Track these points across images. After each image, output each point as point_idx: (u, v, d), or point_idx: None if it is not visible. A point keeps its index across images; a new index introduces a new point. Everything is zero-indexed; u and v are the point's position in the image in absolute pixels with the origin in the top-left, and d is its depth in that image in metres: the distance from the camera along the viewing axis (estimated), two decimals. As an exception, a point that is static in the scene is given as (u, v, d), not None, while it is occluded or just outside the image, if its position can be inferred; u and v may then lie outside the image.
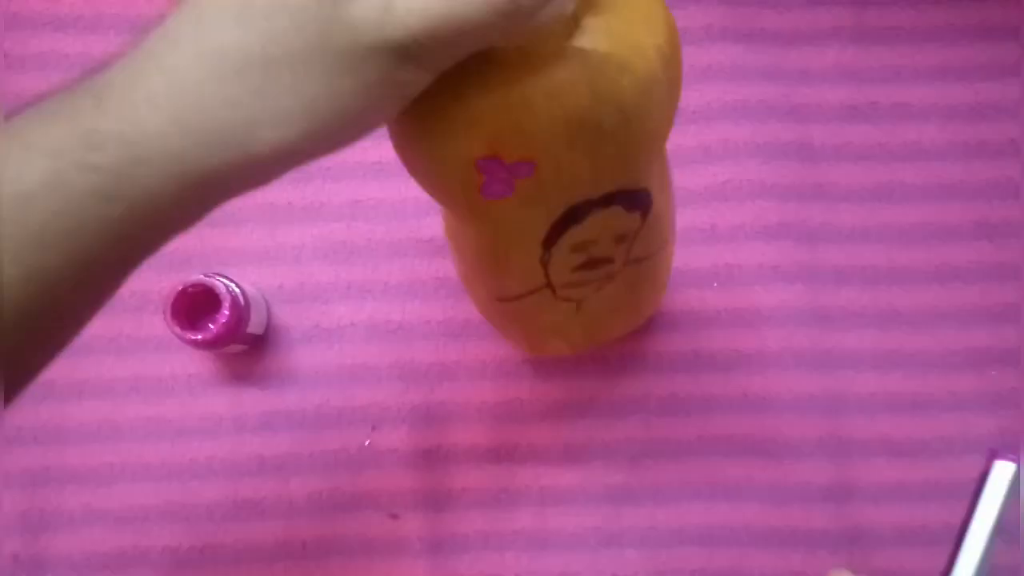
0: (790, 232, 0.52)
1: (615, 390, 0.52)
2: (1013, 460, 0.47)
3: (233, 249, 0.52)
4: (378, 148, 0.54)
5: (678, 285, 0.52)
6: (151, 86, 0.21)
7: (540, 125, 0.28)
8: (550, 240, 0.35)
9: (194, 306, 0.48)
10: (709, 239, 0.53)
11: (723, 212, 0.53)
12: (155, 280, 0.50)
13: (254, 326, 0.50)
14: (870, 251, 0.52)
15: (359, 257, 0.53)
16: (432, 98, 0.26)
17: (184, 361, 0.52)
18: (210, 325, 0.47)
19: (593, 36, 0.27)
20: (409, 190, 0.52)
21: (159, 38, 0.22)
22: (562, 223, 0.34)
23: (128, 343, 0.52)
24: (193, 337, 0.47)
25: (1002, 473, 0.47)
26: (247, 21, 0.21)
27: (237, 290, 0.49)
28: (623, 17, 0.28)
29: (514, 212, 0.33)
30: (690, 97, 0.46)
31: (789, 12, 0.55)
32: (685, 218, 0.52)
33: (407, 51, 0.22)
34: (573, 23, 0.28)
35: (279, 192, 0.52)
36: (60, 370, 0.27)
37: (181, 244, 0.25)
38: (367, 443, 0.51)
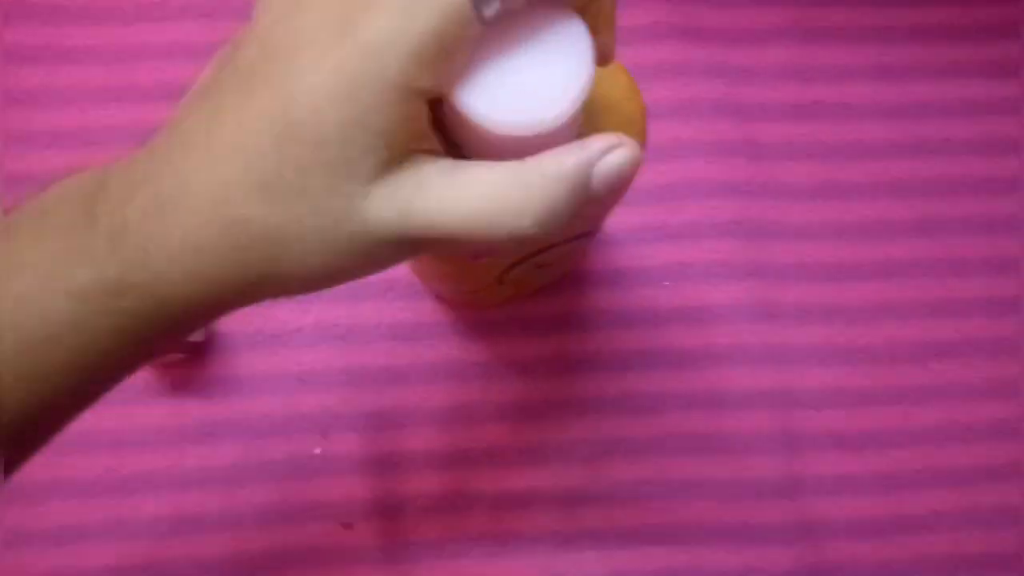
0: (739, 229, 0.53)
1: (568, 391, 0.51)
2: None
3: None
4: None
5: (629, 284, 0.52)
6: (170, 243, 0.22)
7: None
8: (512, 266, 0.39)
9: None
10: (659, 238, 0.53)
11: (673, 210, 0.53)
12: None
13: (193, 333, 0.48)
14: (817, 247, 0.53)
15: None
16: None
17: (120, 370, 0.49)
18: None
19: None
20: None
21: (173, 186, 0.22)
22: (528, 256, 0.38)
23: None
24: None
25: None
26: (269, 200, 0.22)
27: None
28: (609, 126, 0.30)
29: (489, 261, 0.36)
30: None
31: (735, 11, 0.55)
32: (635, 217, 0.53)
33: (419, 248, 0.23)
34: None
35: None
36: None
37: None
38: (317, 451, 0.49)
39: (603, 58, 0.25)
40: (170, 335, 0.25)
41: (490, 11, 0.22)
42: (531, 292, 0.51)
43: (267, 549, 0.48)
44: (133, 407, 0.49)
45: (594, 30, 0.24)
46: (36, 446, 0.26)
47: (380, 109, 0.21)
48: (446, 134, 0.26)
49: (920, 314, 0.53)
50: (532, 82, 0.24)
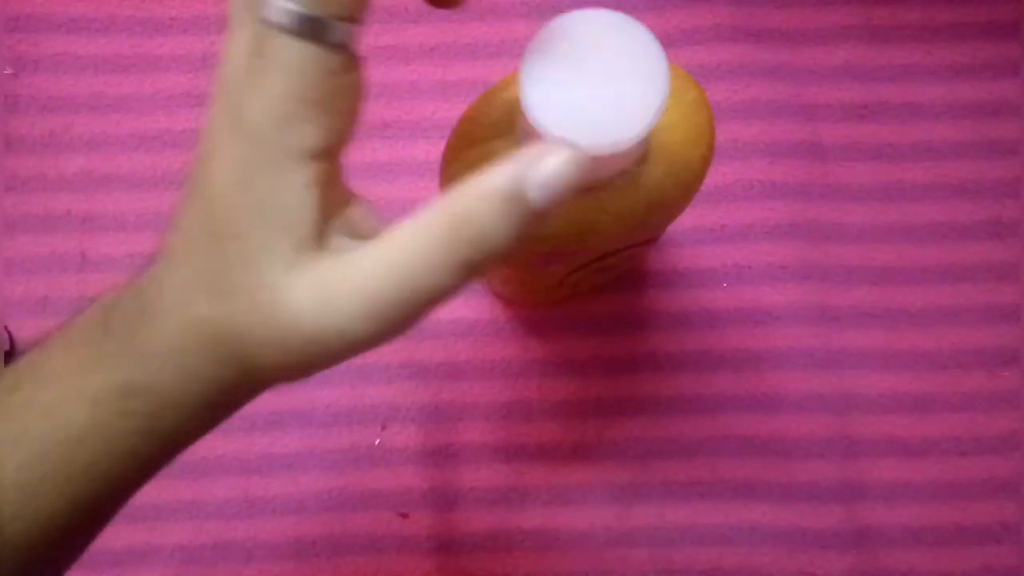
0: (799, 232, 0.52)
1: (624, 390, 0.52)
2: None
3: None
4: (386, 149, 0.54)
5: (687, 285, 0.52)
6: (157, 346, 0.24)
7: (602, 233, 0.32)
8: (575, 270, 0.40)
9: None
10: (718, 239, 0.53)
11: (732, 212, 0.53)
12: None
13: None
14: (879, 250, 0.52)
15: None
16: None
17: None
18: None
19: (655, 162, 0.31)
20: (416, 190, 0.53)
21: (153, 293, 0.24)
22: (592, 261, 0.38)
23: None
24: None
25: None
26: (215, 299, 0.23)
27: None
28: (678, 137, 0.31)
29: (554, 268, 0.38)
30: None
31: (798, 11, 0.55)
32: (694, 218, 0.53)
33: (353, 341, 0.23)
34: (645, 153, 0.31)
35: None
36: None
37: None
38: (377, 442, 0.51)
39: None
40: (185, 435, 0.26)
41: (337, 36, 0.22)
42: (588, 292, 0.52)
43: (327, 534, 0.50)
44: (206, 395, 0.52)
45: None
46: (67, 551, 0.27)
47: (279, 185, 0.22)
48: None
49: (988, 320, 0.51)
50: (610, 102, 0.24)
